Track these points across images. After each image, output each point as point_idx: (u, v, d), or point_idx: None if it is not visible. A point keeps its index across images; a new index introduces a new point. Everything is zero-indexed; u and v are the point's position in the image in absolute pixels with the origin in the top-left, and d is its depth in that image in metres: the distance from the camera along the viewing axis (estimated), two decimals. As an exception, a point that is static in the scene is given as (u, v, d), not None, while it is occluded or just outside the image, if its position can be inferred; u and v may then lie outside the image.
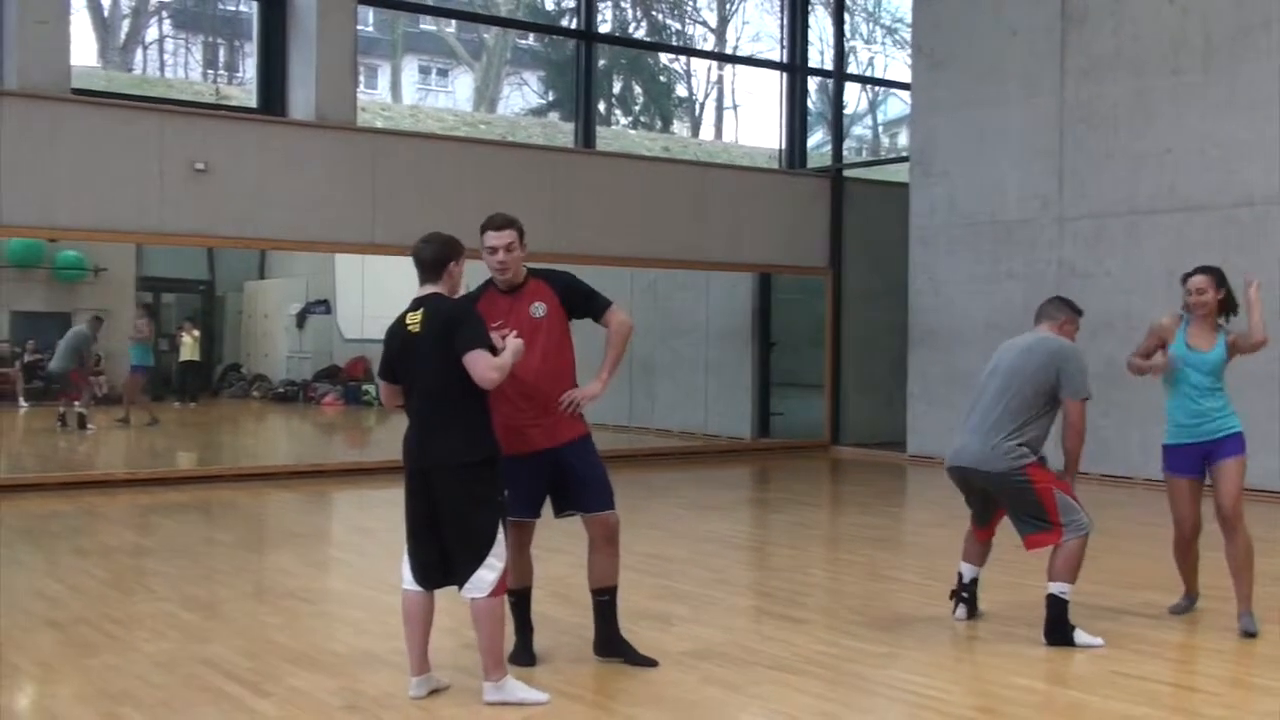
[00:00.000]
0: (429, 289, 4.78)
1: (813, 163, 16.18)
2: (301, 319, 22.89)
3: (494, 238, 5.11)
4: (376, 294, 19.89)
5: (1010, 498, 5.93)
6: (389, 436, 18.36)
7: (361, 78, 20.95)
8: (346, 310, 22.20)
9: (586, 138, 14.53)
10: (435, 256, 4.78)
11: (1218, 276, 6.18)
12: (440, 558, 4.73)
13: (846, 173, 15.93)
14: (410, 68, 25.22)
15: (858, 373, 15.49)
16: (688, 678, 5.20)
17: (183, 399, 20.37)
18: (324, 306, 22.76)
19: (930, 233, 13.92)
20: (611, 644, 5.33)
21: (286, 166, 11.88)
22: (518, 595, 5.30)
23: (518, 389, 4.99)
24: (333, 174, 12.13)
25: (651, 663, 5.32)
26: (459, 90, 23.76)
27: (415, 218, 12.35)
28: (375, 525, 9.67)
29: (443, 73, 25.53)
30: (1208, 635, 6.06)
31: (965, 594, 6.34)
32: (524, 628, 5.38)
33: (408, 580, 4.80)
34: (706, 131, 20.91)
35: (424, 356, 4.68)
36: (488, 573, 4.63)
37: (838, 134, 16.26)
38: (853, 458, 14.67)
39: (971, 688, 5.22)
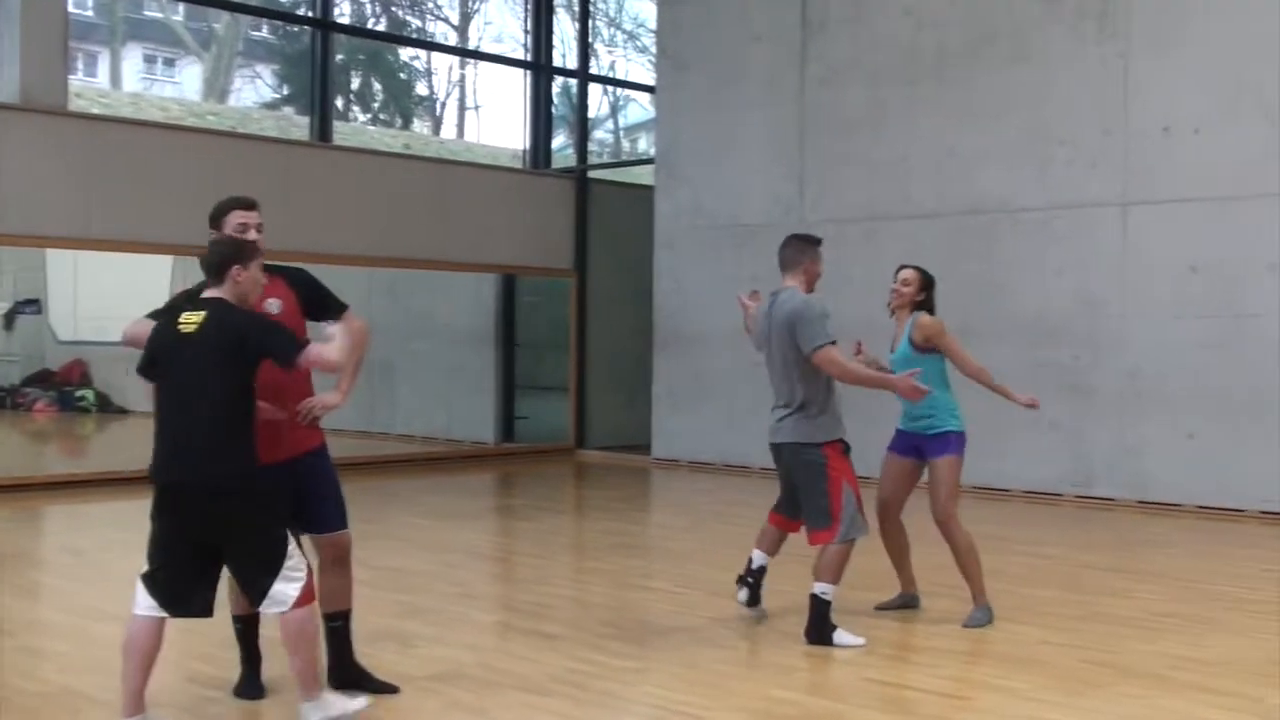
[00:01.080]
0: (213, 292, 4.47)
1: (556, 164, 16.04)
2: (9, 320, 21.35)
3: (246, 216, 4.77)
4: (93, 292, 18.78)
5: (803, 480, 5.90)
6: (105, 445, 17.43)
7: (80, 64, 19.70)
8: (60, 310, 20.83)
9: (323, 132, 13.96)
10: (218, 259, 4.47)
11: (925, 277, 6.37)
12: (196, 580, 4.35)
13: (591, 174, 15.86)
14: (133, 55, 23.94)
15: (603, 375, 15.43)
16: (430, 703, 4.89)
17: None
18: (34, 306, 21.28)
19: (675, 235, 13.94)
20: (348, 672, 4.95)
21: (-11, 153, 11.01)
22: (244, 621, 4.92)
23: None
24: (41, 162, 11.31)
25: (392, 689, 4.99)
26: (187, 81, 22.74)
27: (134, 210, 11.74)
28: (87, 545, 9.04)
29: (169, 62, 24.37)
30: (957, 638, 6.09)
31: (750, 579, 6.25)
32: (251, 657, 4.99)
33: (143, 605, 4.38)
34: (448, 130, 20.61)
35: (193, 361, 4.31)
36: (287, 585, 4.30)
37: (582, 134, 16.19)
38: (598, 462, 14.58)
39: (728, 702, 5.06)
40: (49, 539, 10.00)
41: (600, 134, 20.02)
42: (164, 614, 4.38)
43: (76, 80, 15.41)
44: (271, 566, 4.31)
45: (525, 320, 15.72)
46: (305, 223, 12.56)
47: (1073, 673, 5.45)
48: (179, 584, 4.35)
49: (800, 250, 6.06)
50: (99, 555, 8.53)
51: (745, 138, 13.27)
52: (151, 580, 4.38)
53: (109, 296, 18.77)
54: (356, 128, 18.43)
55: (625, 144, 21.24)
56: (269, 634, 5.12)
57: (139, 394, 18.66)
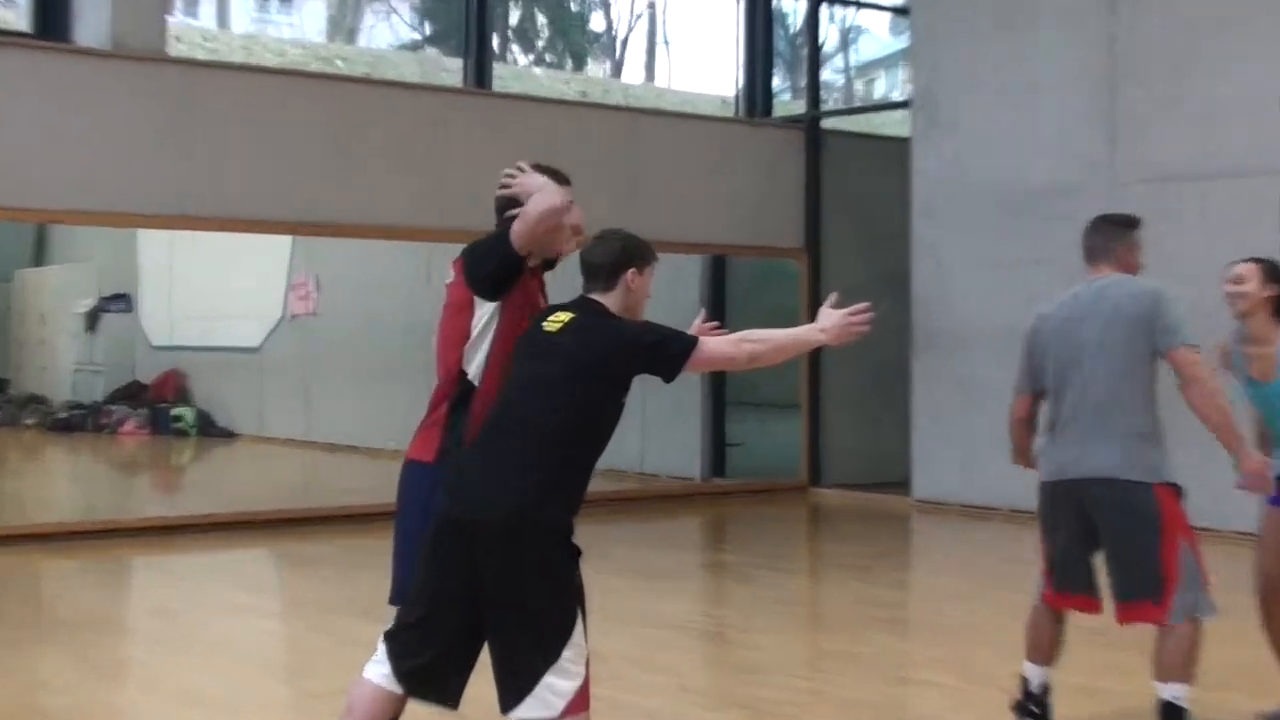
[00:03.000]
0: (595, 295, 4.68)
1: (777, 112, 15.99)
2: (93, 320, 22.17)
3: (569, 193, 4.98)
4: (194, 285, 19.28)
5: (1121, 534, 5.61)
6: (206, 478, 17.83)
7: (179, 4, 20.26)
8: (154, 308, 21.50)
9: (479, 77, 14.12)
10: (610, 260, 4.66)
11: (1272, 267, 6.07)
12: (456, 655, 4.46)
13: (826, 123, 15.74)
14: (242, -10, 24.74)
15: (845, 388, 15.28)
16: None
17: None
18: (124, 303, 22.05)
19: (938, 202, 13.73)
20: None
21: (71, 109, 11.33)
22: None
23: None
24: (133, 119, 11.58)
25: None
26: (307, 20, 23.31)
27: (246, 179, 11.95)
28: (180, 605, 9.18)
29: None
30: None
31: (1035, 708, 5.87)
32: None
33: (378, 670, 4.49)
34: (634, 73, 20.65)
35: (549, 366, 4.51)
36: (561, 680, 4.28)
37: (814, 69, 16.01)
38: (840, 504, 14.47)
39: None
40: (136, 599, 10.21)
41: (826, 74, 19.77)
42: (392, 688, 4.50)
43: (176, 21, 15.80)
44: (552, 651, 4.31)
45: (739, 315, 15.50)
46: (458, 191, 12.58)
47: None
48: (432, 655, 4.48)
49: (1111, 235, 5.93)
50: (193, 617, 8.66)
51: (1036, 72, 13.00)
52: (397, 641, 4.52)
53: (213, 290, 19.33)
54: (519, 71, 18.58)
55: (859, 87, 20.97)
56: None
57: (246, 413, 19.14)
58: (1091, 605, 5.80)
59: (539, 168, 5.03)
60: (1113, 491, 5.62)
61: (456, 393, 4.83)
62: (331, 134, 12.35)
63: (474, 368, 4.81)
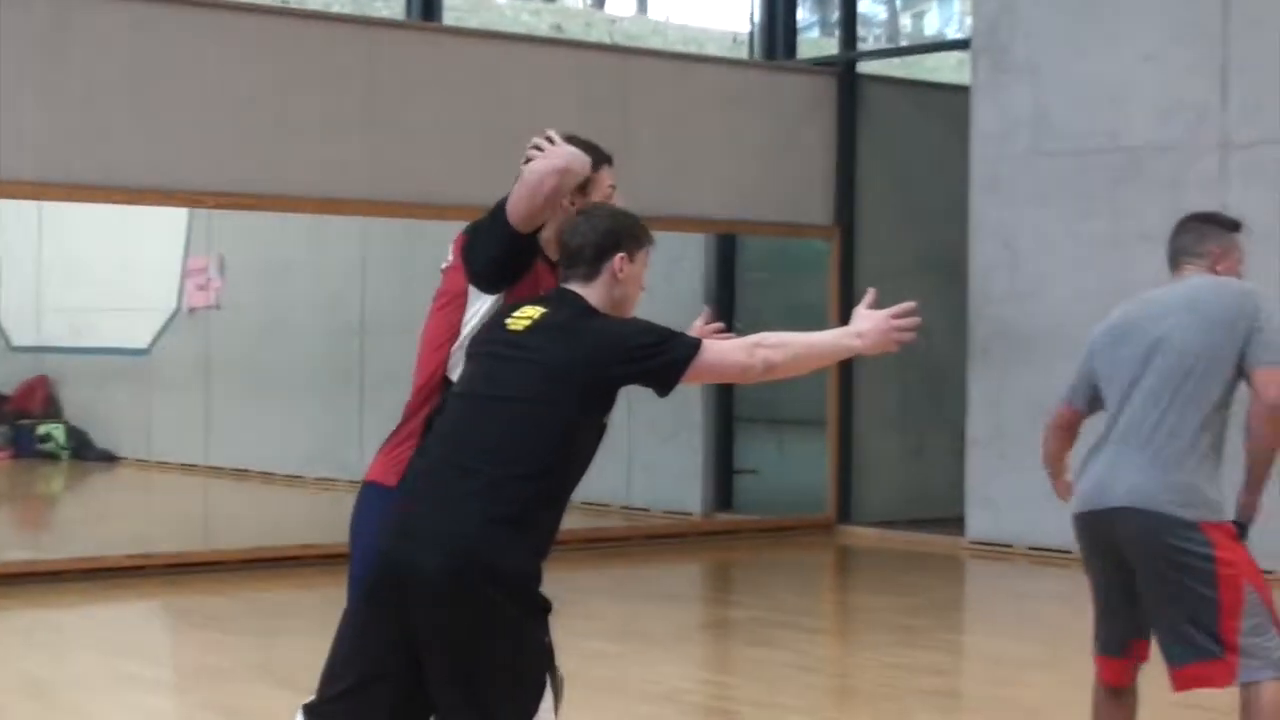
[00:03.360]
0: (575, 287, 4.67)
1: (802, 54, 16.04)
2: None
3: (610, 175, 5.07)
4: (64, 271, 19.23)
5: (1170, 584, 5.68)
6: (82, 513, 17.81)
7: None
8: (14, 299, 21.46)
9: (426, 6, 14.04)
10: (593, 242, 4.66)
11: None
12: None
13: (863, 67, 15.82)
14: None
15: (883, 402, 15.37)
16: None
17: None
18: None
19: (1004, 167, 13.80)
20: None
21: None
22: None
23: None
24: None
25: None
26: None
27: (132, 139, 11.90)
28: (56, 677, 9.19)
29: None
30: None
31: None
32: None
33: None
34: (622, 4, 20.68)
35: (514, 372, 4.53)
36: None
37: (848, 2, 15.94)
38: (876, 545, 14.57)
39: None
40: (-2, 666, 10.29)
41: (864, 8, 19.81)
42: None
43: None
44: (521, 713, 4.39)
45: (753, 309, 15.68)
46: (395, 151, 12.65)
47: None
48: None
49: (1203, 236, 6.03)
50: (73, 696, 8.63)
51: (1127, 5, 13.01)
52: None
53: (90, 278, 19.29)
54: (477, 1, 18.58)
55: (905, 22, 21.05)
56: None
57: (131, 431, 19.11)
58: (1136, 656, 5.93)
59: (572, 139, 5.04)
60: (1149, 528, 5.69)
61: (437, 403, 4.83)
62: (238, 81, 12.31)
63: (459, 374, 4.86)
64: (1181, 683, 5.74)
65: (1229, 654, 5.60)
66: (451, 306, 4.90)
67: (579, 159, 4.83)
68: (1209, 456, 5.71)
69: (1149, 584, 5.74)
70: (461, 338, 4.86)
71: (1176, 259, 6.03)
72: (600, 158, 5.00)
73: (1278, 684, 5.60)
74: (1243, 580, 5.63)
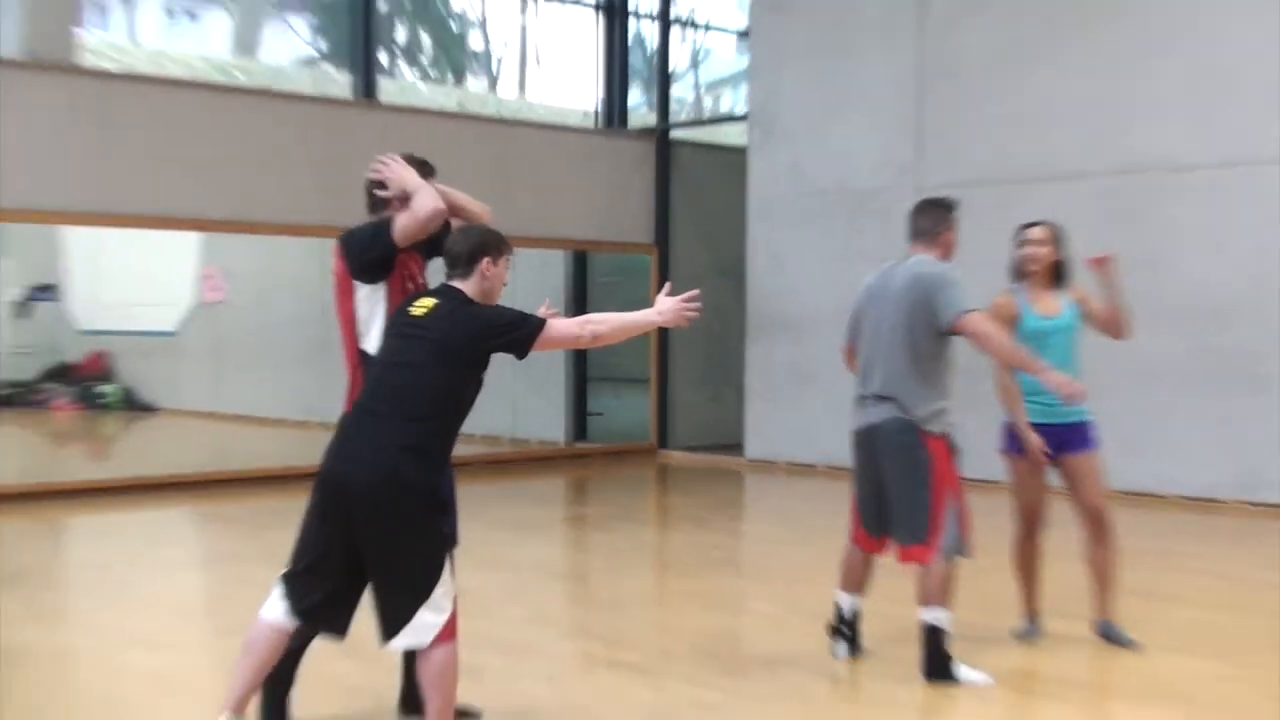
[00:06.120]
0: (456, 283, 4.68)
1: (633, 124, 15.91)
2: (23, 308, 21.64)
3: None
4: (115, 276, 18.93)
5: (899, 476, 5.68)
6: (130, 447, 17.59)
7: (92, 17, 19.84)
8: (79, 296, 21.06)
9: (367, 89, 13.92)
10: (467, 250, 4.67)
11: (1057, 232, 6.26)
12: (343, 594, 4.53)
13: (674, 134, 15.72)
14: (151, 7, 24.12)
15: (688, 365, 15.34)
16: (507, 750, 4.78)
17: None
18: (51, 293, 21.54)
19: (772, 204, 13.78)
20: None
21: (-4, 118, 11.08)
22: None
23: None
24: (48, 126, 11.32)
25: (475, 714, 5.10)
26: (212, 36, 22.84)
27: (156, 181, 11.76)
28: (113, 560, 9.06)
29: (192, 15, 24.53)
30: (1122, 673, 5.88)
31: (845, 629, 6.01)
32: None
33: (273, 609, 4.52)
34: (508, 88, 20.48)
35: (415, 346, 4.53)
36: (432, 615, 4.39)
37: (664, 86, 16.00)
38: (684, 464, 14.51)
39: (851, 748, 4.91)
40: (71, 553, 10.07)
41: (677, 90, 19.78)
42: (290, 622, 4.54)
43: (88, 34, 15.47)
44: (423, 591, 4.40)
45: (599, 303, 15.59)
46: (347, 192, 12.49)
47: (1260, 717, 5.22)
48: (323, 594, 4.54)
49: (937, 219, 5.91)
50: (125, 570, 8.58)
51: (854, 89, 13.06)
52: (294, 583, 4.53)
53: (132, 280, 18.99)
54: (404, 85, 18.38)
55: (707, 101, 21.01)
56: (322, 665, 5.04)
57: (165, 389, 18.88)
58: (885, 546, 5.89)
59: (408, 158, 5.11)
60: (889, 436, 5.69)
61: (363, 369, 4.84)
62: (234, 140, 12.16)
63: (371, 345, 4.84)
64: (904, 556, 5.75)
65: (934, 538, 5.61)
66: (345, 296, 4.93)
67: (437, 195, 4.89)
68: (927, 390, 5.65)
69: (890, 477, 5.73)
70: (363, 317, 4.88)
71: (916, 238, 5.90)
72: (428, 170, 5.07)
73: (949, 566, 5.65)
74: (946, 487, 5.63)
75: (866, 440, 5.81)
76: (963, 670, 5.63)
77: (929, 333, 5.65)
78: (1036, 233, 6.29)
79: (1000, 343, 5.65)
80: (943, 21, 12.42)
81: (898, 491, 5.72)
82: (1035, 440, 6.04)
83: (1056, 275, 6.28)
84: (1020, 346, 5.78)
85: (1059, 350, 6.08)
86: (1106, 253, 6.20)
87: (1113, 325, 6.28)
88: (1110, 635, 6.19)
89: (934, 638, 5.62)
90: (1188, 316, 10.86)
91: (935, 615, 5.61)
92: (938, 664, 5.60)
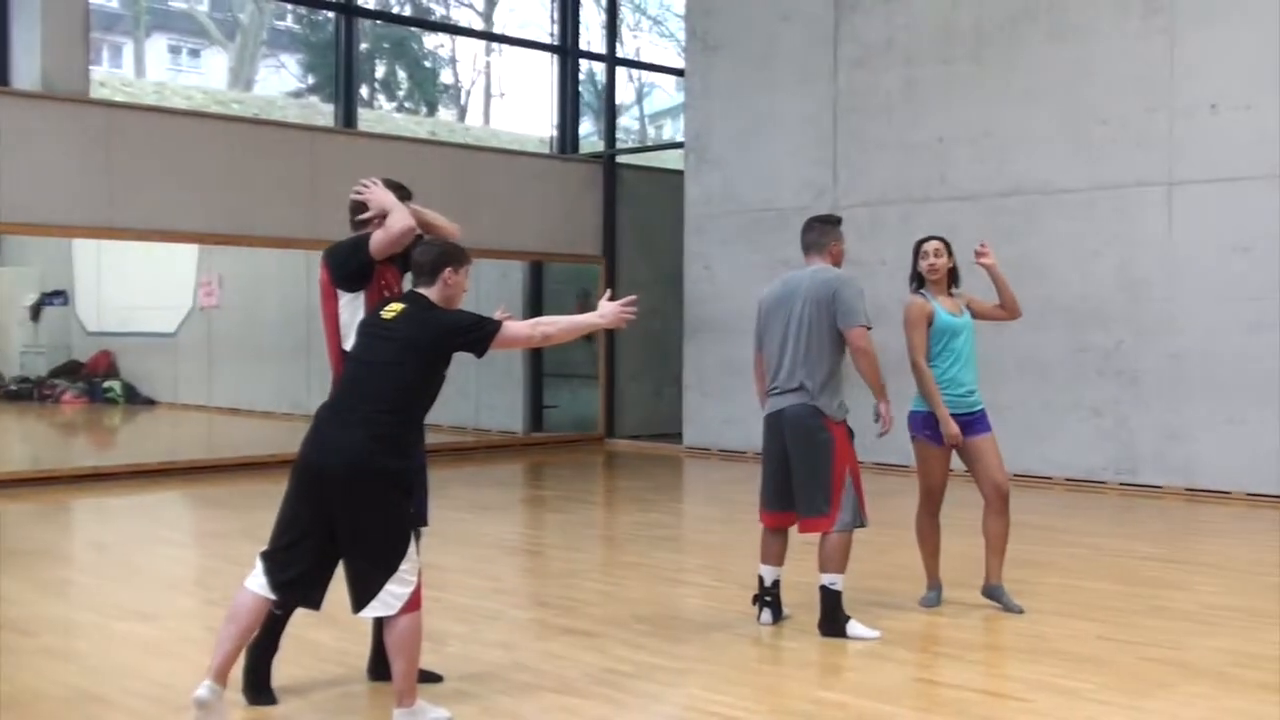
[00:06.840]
0: (422, 290, 4.61)
1: (583, 150, 15.83)
2: (36, 311, 21.32)
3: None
4: (118, 283, 18.70)
5: (803, 457, 5.71)
6: (131, 437, 17.33)
7: (104, 55, 19.58)
8: (86, 301, 20.78)
9: (348, 119, 13.80)
10: (431, 261, 4.60)
11: (948, 244, 6.33)
12: (318, 570, 4.43)
13: (620, 159, 15.67)
14: (158, 46, 23.83)
15: (632, 363, 15.30)
16: (468, 709, 4.68)
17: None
18: (62, 298, 21.24)
19: (705, 221, 13.74)
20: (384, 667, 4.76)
21: (12, 142, 10.87)
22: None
23: None
24: (63, 150, 11.17)
25: (436, 678, 4.98)
26: (211, 71, 22.60)
27: (158, 199, 11.63)
28: (112, 539, 8.92)
29: (194, 53, 24.25)
30: (1013, 634, 5.86)
31: (768, 598, 6.01)
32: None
33: (255, 582, 4.43)
34: (474, 118, 20.38)
35: (385, 346, 4.46)
36: (399, 587, 4.31)
37: (610, 118, 15.98)
38: (629, 451, 14.42)
39: (773, 703, 4.86)
40: (75, 533, 9.87)
41: (625, 120, 19.76)
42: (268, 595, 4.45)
43: (100, 70, 15.27)
44: (390, 565, 4.31)
45: (553, 307, 15.50)
46: (330, 209, 12.38)
47: (1134, 671, 5.22)
48: (299, 571, 4.45)
49: (824, 232, 6.01)
50: (124, 550, 8.42)
51: (777, 121, 13.04)
52: (272, 560, 4.44)
53: (135, 286, 18.75)
54: (381, 115, 18.24)
55: (650, 130, 21.00)
56: (300, 632, 4.93)
57: (164, 385, 18.63)
58: (786, 520, 5.92)
59: (387, 182, 5.06)
60: (795, 420, 5.72)
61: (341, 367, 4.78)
62: (229, 163, 12.04)
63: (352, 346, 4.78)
64: (805, 527, 5.80)
65: (833, 512, 5.68)
66: (329, 302, 4.88)
67: (409, 215, 4.84)
68: (829, 381, 5.72)
69: (796, 457, 5.75)
70: (345, 321, 4.81)
71: (808, 251, 5.98)
72: (405, 194, 5.03)
73: (846, 536, 5.73)
74: (846, 466, 5.71)
75: (775, 423, 5.85)
76: (853, 626, 5.71)
77: (831, 330, 5.73)
78: (934, 246, 6.30)
79: (873, 362, 5.73)
80: (853, 62, 12.42)
81: (801, 468, 5.75)
82: (955, 427, 6.06)
83: (950, 280, 6.32)
84: (879, 374, 5.76)
85: (965, 345, 6.19)
86: (983, 245, 6.33)
87: (1009, 308, 6.38)
88: (997, 597, 6.22)
89: (830, 599, 5.72)
90: (1069, 318, 10.92)
91: (831, 579, 5.72)
92: (833, 621, 5.71)
